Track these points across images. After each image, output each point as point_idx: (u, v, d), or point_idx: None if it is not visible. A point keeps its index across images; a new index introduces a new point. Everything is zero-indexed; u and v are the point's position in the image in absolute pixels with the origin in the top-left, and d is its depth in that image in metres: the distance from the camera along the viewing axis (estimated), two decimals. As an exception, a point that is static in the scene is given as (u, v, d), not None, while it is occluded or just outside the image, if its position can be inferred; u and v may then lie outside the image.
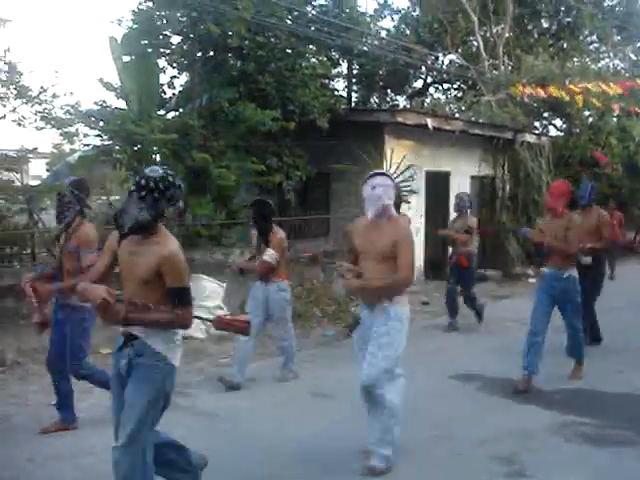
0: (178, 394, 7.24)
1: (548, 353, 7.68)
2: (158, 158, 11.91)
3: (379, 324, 5.23)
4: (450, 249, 11.67)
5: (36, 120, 11.23)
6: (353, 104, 22.23)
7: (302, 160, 13.32)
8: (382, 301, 5.25)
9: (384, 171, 6.50)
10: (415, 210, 14.79)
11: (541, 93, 18.47)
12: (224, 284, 10.62)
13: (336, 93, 16.82)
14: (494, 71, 23.52)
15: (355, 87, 23.71)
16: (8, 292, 8.97)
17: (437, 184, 15.61)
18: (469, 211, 10.85)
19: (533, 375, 7.45)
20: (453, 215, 11.49)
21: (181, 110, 13.32)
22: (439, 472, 5.36)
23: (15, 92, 10.75)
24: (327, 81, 15.41)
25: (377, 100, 25.64)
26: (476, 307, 10.97)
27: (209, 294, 10.29)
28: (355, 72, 22.75)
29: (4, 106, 10.79)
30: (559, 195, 7.42)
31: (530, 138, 18.42)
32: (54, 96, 11.14)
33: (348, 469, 5.30)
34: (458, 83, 26.42)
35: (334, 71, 18.01)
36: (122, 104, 12.65)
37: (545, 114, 23.93)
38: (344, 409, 6.58)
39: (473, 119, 19.30)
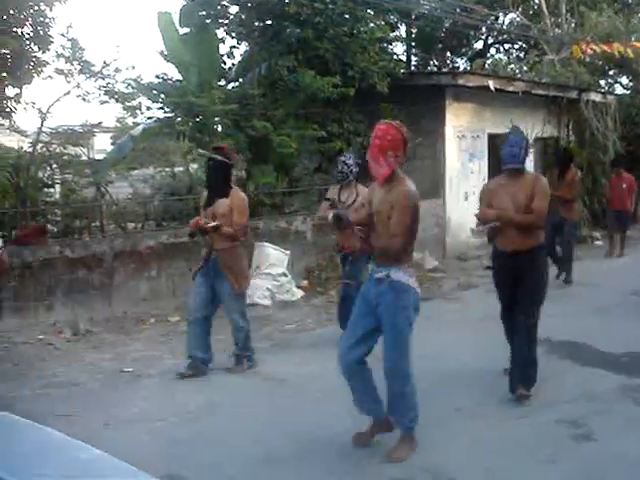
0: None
1: (618, 317, 7.59)
2: (220, 129, 12.02)
3: None
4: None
5: (100, 95, 11.44)
6: (412, 68, 22.03)
7: (362, 126, 13.27)
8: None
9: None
10: (478, 173, 14.67)
11: (606, 50, 17.99)
12: (288, 252, 10.74)
13: (395, 57, 16.63)
14: (557, 29, 22.95)
15: (414, 50, 23.45)
16: (79, 263, 9.22)
17: (500, 147, 15.38)
18: (354, 179, 8.15)
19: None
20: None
21: (241, 80, 13.37)
22: (505, 435, 5.36)
23: (79, 68, 10.93)
24: (386, 45, 15.23)
25: (437, 63, 25.31)
26: None
27: (274, 261, 10.41)
28: (414, 35, 22.50)
29: (68, 82, 10.99)
30: (387, 143, 4.86)
31: (595, 97, 17.98)
32: (116, 70, 11.32)
33: (430, 424, 5.36)
34: (519, 43, 25.86)
35: (392, 35, 17.79)
36: (182, 76, 12.76)
37: (610, 72, 23.30)
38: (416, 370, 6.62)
39: (536, 79, 18.90)
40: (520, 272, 6.09)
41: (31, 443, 2.19)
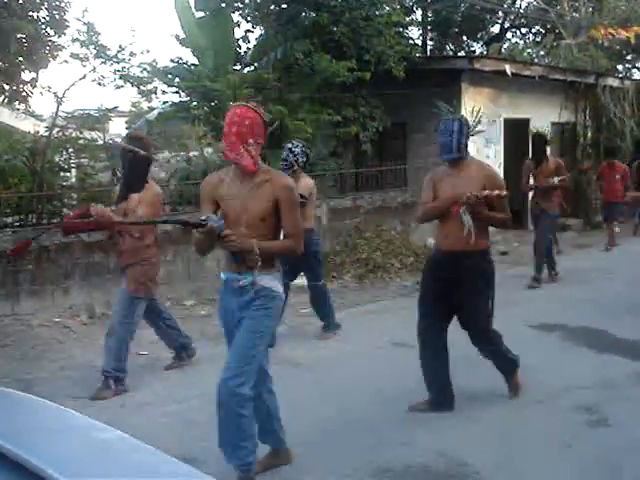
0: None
1: (634, 304, 7.57)
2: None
3: None
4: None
5: (115, 79, 11.42)
6: (428, 52, 21.94)
7: (378, 110, 13.23)
8: None
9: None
10: (494, 158, 14.59)
11: (624, 35, 17.83)
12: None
13: (411, 41, 16.56)
14: (574, 13, 22.76)
15: (430, 34, 23.34)
16: (95, 247, 9.26)
17: (516, 132, 15.31)
18: (300, 169, 7.59)
19: None
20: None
21: (256, 64, 13.35)
22: (520, 420, 5.37)
23: (94, 52, 10.93)
24: (402, 29, 15.16)
25: (453, 47, 25.19)
26: None
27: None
28: (430, 19, 22.39)
29: (84, 66, 10.99)
30: (246, 129, 4.15)
31: (613, 82, 17.83)
32: (132, 54, 11.29)
33: (429, 417, 5.37)
34: (536, 27, 25.69)
35: (408, 19, 17.71)
36: (198, 60, 12.75)
37: (628, 57, 23.12)
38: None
39: (553, 64, 18.79)
40: (462, 279, 5.33)
41: (52, 423, 2.21)
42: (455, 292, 5.35)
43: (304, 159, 7.57)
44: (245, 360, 4.10)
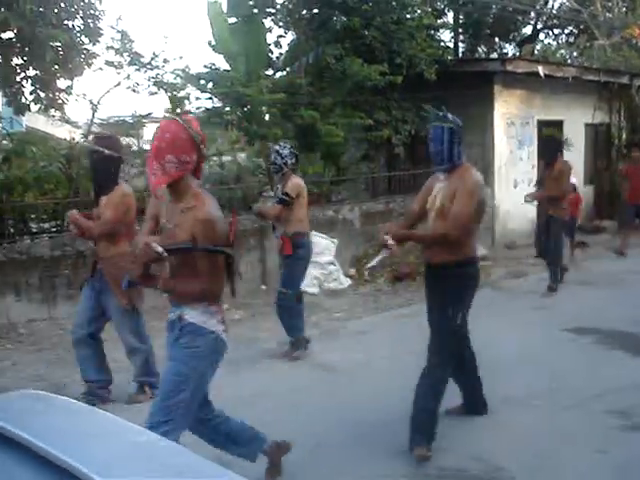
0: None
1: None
2: (267, 118, 12.07)
3: None
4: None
5: (149, 86, 11.55)
6: (460, 54, 21.85)
7: (410, 113, 13.22)
8: None
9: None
10: (527, 160, 14.52)
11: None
12: (336, 240, 10.77)
13: (442, 44, 16.52)
14: (607, 13, 22.53)
15: (462, 37, 23.24)
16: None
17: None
18: (289, 171, 7.31)
19: None
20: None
21: (288, 69, 13.40)
22: (553, 425, 5.33)
23: (128, 59, 11.06)
24: (433, 32, 15.14)
25: (485, 49, 25.06)
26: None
27: (322, 250, 10.44)
28: (461, 21, 22.30)
29: (118, 73, 11.14)
30: (165, 145, 3.69)
31: (647, 82, 17.63)
32: (165, 61, 11.42)
33: (463, 421, 5.36)
34: (569, 28, 25.46)
35: (440, 21, 17.69)
36: (230, 66, 12.84)
37: (664, 56, 22.82)
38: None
39: (586, 65, 18.62)
40: (431, 291, 5.05)
41: (91, 426, 2.24)
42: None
43: (293, 161, 7.28)
44: (168, 409, 3.71)
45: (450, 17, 21.71)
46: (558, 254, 10.06)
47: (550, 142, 10.48)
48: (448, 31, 20.88)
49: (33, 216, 10.27)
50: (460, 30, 22.72)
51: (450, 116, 4.99)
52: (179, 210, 3.73)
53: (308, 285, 9.92)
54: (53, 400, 2.54)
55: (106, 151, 5.79)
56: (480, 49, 24.78)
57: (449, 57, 14.48)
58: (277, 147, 7.40)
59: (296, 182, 7.27)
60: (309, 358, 7.15)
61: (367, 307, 9.51)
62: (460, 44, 23.09)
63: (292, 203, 7.11)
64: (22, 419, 2.20)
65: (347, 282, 10.62)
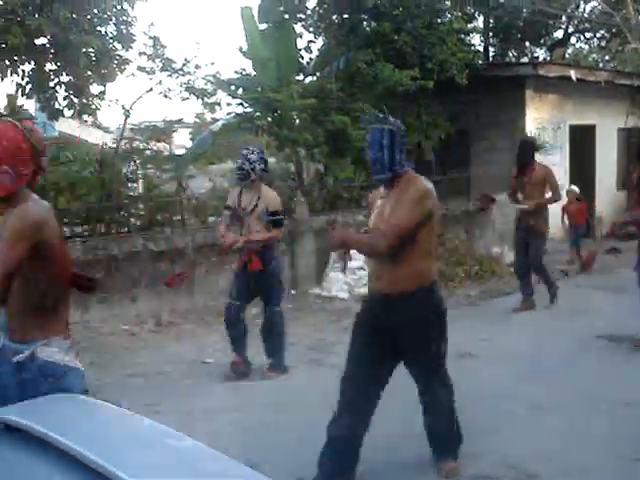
0: (326, 352, 7.49)
1: None
2: (297, 123, 12.09)
3: None
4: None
5: (180, 91, 11.63)
6: (490, 59, 21.72)
7: (441, 118, 13.18)
8: None
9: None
10: (559, 164, 14.40)
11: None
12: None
13: (473, 48, 16.45)
14: (640, 16, 22.32)
15: (492, 41, 23.11)
16: (162, 256, 9.42)
17: (582, 138, 15.08)
18: (257, 178, 6.62)
19: None
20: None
21: (318, 74, 13.42)
22: (584, 430, 5.25)
23: (160, 65, 11.14)
24: (464, 36, 15.08)
25: (515, 54, 24.89)
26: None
27: (352, 255, 10.43)
28: (491, 25, 22.17)
29: (150, 79, 11.22)
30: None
31: (681, 86, 17.41)
32: (197, 67, 11.49)
33: (497, 426, 5.31)
34: (601, 31, 25.21)
35: (470, 26, 17.60)
36: (261, 71, 12.89)
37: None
38: (491, 369, 6.58)
39: (619, 69, 18.44)
40: (395, 326, 4.26)
41: (127, 431, 2.25)
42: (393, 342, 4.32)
43: (262, 166, 6.56)
44: None
45: (480, 21, 21.60)
46: (540, 265, 9.21)
47: (524, 145, 9.48)
48: (478, 35, 20.80)
49: (66, 220, 10.37)
50: (490, 34, 22.60)
51: (391, 118, 4.46)
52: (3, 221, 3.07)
53: (338, 290, 9.93)
54: (91, 404, 2.56)
55: None
56: (510, 53, 24.61)
57: (480, 61, 14.41)
58: (244, 151, 6.63)
59: (277, 197, 6.73)
60: (338, 364, 7.09)
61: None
62: (490, 48, 22.96)
63: (281, 221, 6.69)
64: (61, 423, 2.20)
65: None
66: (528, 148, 9.32)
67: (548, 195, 9.16)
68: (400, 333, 4.25)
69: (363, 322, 4.44)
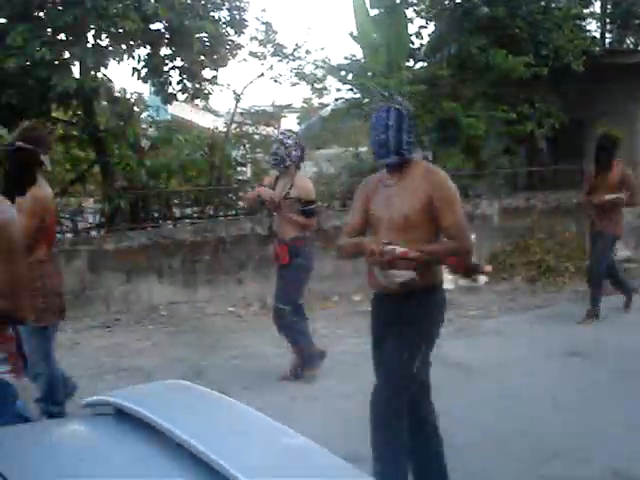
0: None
1: None
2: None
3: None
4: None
5: (291, 77, 11.71)
6: (607, 46, 20.99)
7: (555, 107, 12.79)
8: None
9: None
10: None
11: None
12: (473, 235, 10.57)
13: (589, 35, 15.89)
14: None
15: (609, 27, 22.31)
16: (269, 240, 9.48)
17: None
18: (293, 165, 6.32)
19: None
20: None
21: (429, 60, 13.24)
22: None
23: (271, 50, 11.24)
24: (580, 22, 14.57)
25: (634, 40, 23.96)
26: None
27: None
28: (609, 12, 21.41)
29: (262, 64, 11.34)
30: None
31: None
32: (307, 52, 11.55)
33: (608, 433, 5.13)
34: None
35: (586, 11, 17.00)
36: (371, 57, 12.81)
37: None
38: (600, 371, 6.37)
39: None
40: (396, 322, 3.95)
41: (237, 423, 2.21)
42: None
43: (298, 153, 6.30)
44: None
45: (597, 7, 20.89)
46: (599, 273, 8.41)
47: (605, 142, 8.37)
48: (595, 21, 20.10)
49: (177, 202, 10.61)
50: (607, 20, 21.82)
51: (399, 99, 4.14)
52: None
53: (444, 281, 9.79)
54: (200, 392, 2.51)
55: (33, 147, 4.73)
56: (628, 40, 23.71)
57: (597, 48, 13.90)
58: (280, 136, 6.46)
59: (308, 186, 6.37)
60: (444, 356, 7.02)
61: (503, 306, 9.29)
62: (607, 35, 22.19)
63: (314, 209, 6.43)
64: (169, 410, 2.20)
65: (483, 279, 10.40)
66: (611, 146, 8.33)
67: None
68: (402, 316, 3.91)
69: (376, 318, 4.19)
